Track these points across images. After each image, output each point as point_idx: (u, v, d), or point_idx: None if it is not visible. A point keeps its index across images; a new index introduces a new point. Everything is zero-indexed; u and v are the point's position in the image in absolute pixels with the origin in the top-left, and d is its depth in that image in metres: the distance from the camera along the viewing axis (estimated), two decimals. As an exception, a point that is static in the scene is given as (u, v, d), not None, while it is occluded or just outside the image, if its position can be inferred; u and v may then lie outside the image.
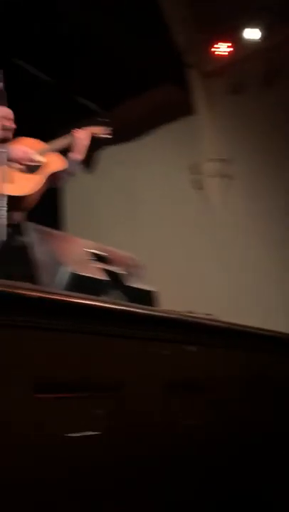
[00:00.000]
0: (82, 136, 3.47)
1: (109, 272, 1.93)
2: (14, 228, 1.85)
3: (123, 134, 6.73)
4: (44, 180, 3.32)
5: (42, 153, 3.37)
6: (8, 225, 2.83)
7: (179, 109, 6.33)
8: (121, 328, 1.56)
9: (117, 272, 1.97)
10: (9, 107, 3.03)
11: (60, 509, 1.31)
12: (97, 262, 1.92)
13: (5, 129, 3.14)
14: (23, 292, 1.30)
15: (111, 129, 3.72)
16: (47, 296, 1.36)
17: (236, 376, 2.07)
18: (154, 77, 5.83)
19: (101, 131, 3.68)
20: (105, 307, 1.53)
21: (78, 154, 3.48)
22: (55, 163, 3.42)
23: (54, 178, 3.44)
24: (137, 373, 1.59)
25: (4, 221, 2.81)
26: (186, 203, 6.40)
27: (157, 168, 6.58)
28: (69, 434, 1.35)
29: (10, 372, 1.23)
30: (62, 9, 4.94)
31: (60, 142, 3.48)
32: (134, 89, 5.86)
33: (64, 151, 3.51)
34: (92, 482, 1.39)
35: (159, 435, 1.63)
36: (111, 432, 1.47)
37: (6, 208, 2.83)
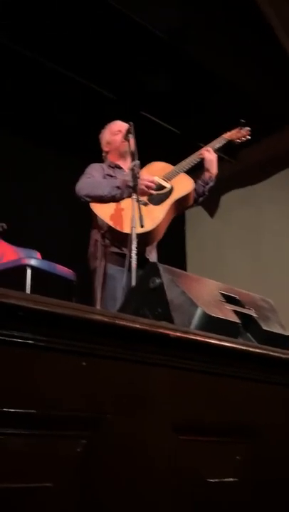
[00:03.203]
0: (208, 153, 3.43)
1: (242, 315, 1.88)
2: (147, 268, 1.87)
3: (247, 175, 6.72)
4: (170, 208, 3.22)
5: (169, 177, 3.32)
6: (141, 265, 2.85)
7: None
8: (259, 371, 1.52)
9: (251, 314, 1.92)
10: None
11: None
12: (230, 304, 1.88)
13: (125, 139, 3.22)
14: (163, 331, 1.30)
15: (248, 129, 3.63)
16: (186, 335, 1.36)
17: None
18: (279, 119, 5.79)
19: (239, 135, 3.61)
20: (245, 350, 1.50)
21: (208, 171, 3.42)
22: (182, 186, 3.32)
23: (182, 202, 3.33)
24: (276, 420, 1.53)
25: (134, 263, 2.85)
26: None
27: (282, 208, 6.46)
28: (208, 480, 1.32)
29: (148, 411, 1.23)
30: (185, 59, 5.05)
31: (188, 162, 3.40)
32: (259, 133, 5.84)
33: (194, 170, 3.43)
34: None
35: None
36: (248, 479, 1.42)
37: (136, 251, 2.87)
